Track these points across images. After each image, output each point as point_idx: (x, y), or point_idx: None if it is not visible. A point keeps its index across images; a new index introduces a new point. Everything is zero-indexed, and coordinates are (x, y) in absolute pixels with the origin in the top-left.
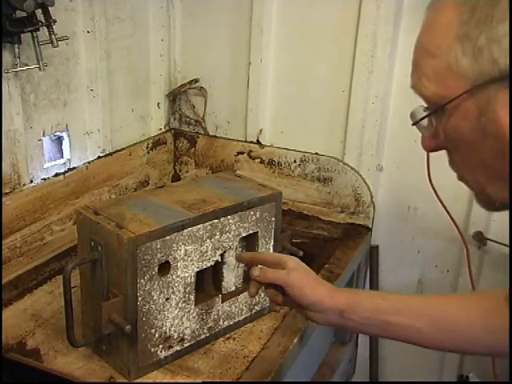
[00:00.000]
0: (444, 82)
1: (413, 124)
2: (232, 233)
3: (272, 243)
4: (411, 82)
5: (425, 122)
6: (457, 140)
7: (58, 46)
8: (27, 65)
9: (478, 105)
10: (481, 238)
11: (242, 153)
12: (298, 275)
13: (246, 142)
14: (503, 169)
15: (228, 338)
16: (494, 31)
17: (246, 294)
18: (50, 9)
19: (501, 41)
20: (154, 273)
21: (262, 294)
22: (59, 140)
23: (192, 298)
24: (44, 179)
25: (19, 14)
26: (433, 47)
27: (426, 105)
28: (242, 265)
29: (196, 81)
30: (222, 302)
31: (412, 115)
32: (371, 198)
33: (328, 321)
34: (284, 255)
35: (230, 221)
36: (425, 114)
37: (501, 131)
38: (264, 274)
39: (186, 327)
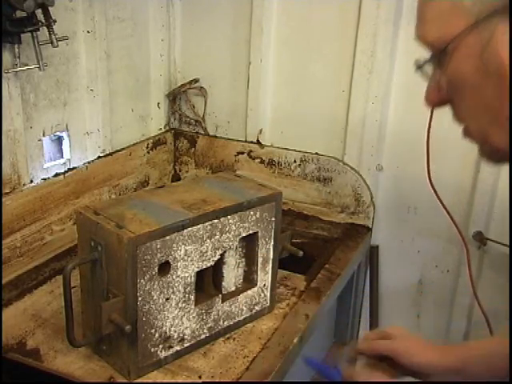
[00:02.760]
0: (448, 22)
1: (416, 68)
2: (232, 233)
3: (272, 243)
4: (415, 35)
5: (429, 71)
6: (460, 84)
7: (58, 46)
8: (27, 65)
9: (479, 40)
10: (481, 238)
11: (242, 153)
12: (403, 341)
13: (246, 142)
14: (505, 111)
15: (228, 338)
16: None
17: (245, 293)
18: (50, 9)
19: None
20: (154, 273)
21: (262, 294)
22: (59, 140)
23: (192, 297)
24: (44, 179)
25: (19, 13)
26: None
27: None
28: (242, 265)
29: (196, 81)
30: (222, 301)
31: (416, 62)
32: (371, 198)
33: (445, 380)
34: (387, 328)
35: (230, 221)
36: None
37: (501, 68)
38: (370, 345)
39: (186, 327)
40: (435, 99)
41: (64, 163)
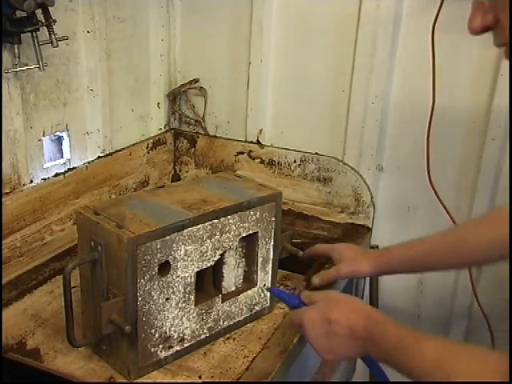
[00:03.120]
0: None
1: None
2: (232, 233)
3: (272, 243)
4: None
5: None
6: None
7: (57, 46)
8: (27, 65)
9: None
10: None
11: (242, 153)
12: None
13: (246, 142)
14: None
15: (228, 338)
16: None
17: (246, 293)
18: (50, 9)
19: None
20: (153, 273)
21: (262, 294)
22: (59, 140)
23: (192, 297)
24: (44, 179)
25: (19, 13)
26: None
27: None
28: (242, 265)
29: (196, 81)
30: (222, 301)
31: None
32: (371, 197)
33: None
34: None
35: (230, 221)
36: None
37: None
38: (323, 278)
39: (186, 327)
40: (479, 25)
41: (64, 163)
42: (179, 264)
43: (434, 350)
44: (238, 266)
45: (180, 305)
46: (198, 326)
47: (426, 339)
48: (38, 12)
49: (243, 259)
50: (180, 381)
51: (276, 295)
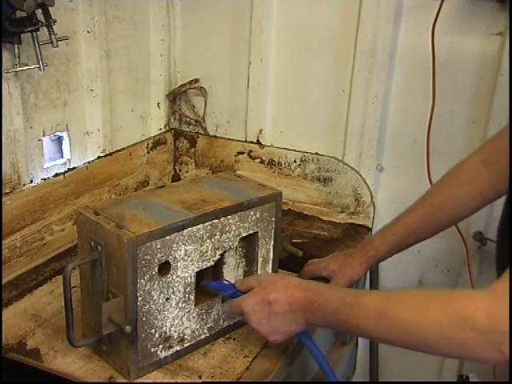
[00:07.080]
0: None
1: None
2: (232, 233)
3: (272, 243)
4: None
5: None
6: None
7: (57, 46)
8: (27, 65)
9: None
10: (481, 238)
11: (242, 153)
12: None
13: (246, 142)
14: None
15: (228, 338)
16: None
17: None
18: (50, 9)
19: None
20: (153, 273)
21: None
22: (59, 140)
23: (192, 297)
24: (44, 179)
25: (19, 14)
26: None
27: None
28: (242, 265)
29: (196, 81)
30: (222, 302)
31: None
32: (371, 197)
33: None
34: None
35: (230, 221)
36: None
37: None
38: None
39: (186, 327)
40: None
41: (64, 163)
42: (179, 264)
43: (376, 301)
44: (238, 266)
45: (180, 305)
46: (197, 326)
47: (367, 294)
48: (38, 12)
49: (243, 259)
50: (180, 381)
51: (211, 289)
